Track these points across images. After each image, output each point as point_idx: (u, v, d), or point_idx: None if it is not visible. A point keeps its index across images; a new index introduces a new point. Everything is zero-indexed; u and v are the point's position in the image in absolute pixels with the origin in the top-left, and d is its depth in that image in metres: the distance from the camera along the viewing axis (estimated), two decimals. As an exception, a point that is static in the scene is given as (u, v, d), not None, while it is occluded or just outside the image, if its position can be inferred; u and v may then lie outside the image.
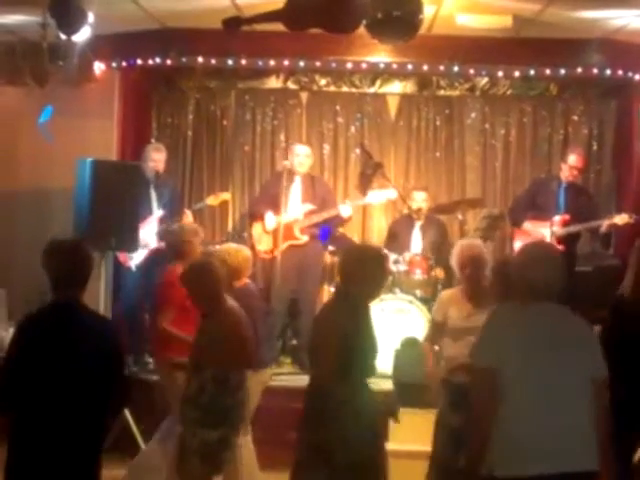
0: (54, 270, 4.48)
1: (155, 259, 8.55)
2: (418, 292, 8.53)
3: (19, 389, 4.27)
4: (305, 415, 5.05)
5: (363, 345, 4.99)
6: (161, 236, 8.56)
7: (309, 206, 8.65)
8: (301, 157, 8.75)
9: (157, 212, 8.67)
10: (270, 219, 8.62)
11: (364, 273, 5.04)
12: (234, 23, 6.36)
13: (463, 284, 6.00)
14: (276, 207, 8.57)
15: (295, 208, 8.63)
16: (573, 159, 8.79)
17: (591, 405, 3.96)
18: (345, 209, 8.68)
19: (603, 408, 4.01)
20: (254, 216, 8.94)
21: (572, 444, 3.92)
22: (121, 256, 8.49)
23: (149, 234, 8.54)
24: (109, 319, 4.54)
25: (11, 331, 7.79)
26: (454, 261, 6.00)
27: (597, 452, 3.93)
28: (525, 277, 4.11)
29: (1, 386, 4.34)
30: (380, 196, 8.78)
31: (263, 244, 8.70)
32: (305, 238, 8.59)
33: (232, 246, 6.82)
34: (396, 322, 8.11)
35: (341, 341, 4.86)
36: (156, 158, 8.81)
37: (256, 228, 8.79)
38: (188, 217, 8.69)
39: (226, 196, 9.28)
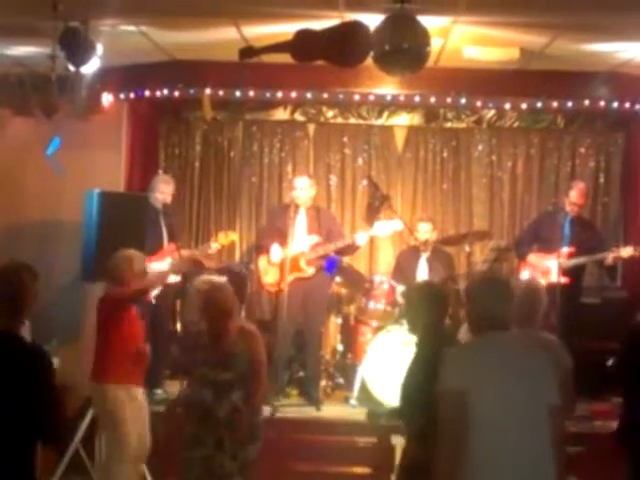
0: None
1: (167, 293, 8.57)
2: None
3: None
4: None
5: None
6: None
7: (315, 238, 8.63)
8: (298, 190, 8.67)
9: (167, 244, 8.66)
10: (276, 251, 8.59)
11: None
12: (249, 53, 6.62)
13: None
14: (282, 239, 8.56)
15: (301, 240, 8.61)
16: (573, 195, 8.82)
17: (548, 433, 3.93)
18: (362, 237, 8.68)
19: (557, 436, 3.97)
20: (260, 249, 8.93)
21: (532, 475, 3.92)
22: None
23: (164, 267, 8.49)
24: (44, 351, 4.44)
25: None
26: None
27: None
28: (474, 309, 4.20)
29: None
30: (386, 227, 8.74)
31: (269, 276, 8.69)
32: (311, 270, 8.57)
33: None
34: (403, 354, 8.04)
35: None
36: (165, 190, 8.82)
37: (262, 260, 8.78)
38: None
39: (234, 237, 9.23)
